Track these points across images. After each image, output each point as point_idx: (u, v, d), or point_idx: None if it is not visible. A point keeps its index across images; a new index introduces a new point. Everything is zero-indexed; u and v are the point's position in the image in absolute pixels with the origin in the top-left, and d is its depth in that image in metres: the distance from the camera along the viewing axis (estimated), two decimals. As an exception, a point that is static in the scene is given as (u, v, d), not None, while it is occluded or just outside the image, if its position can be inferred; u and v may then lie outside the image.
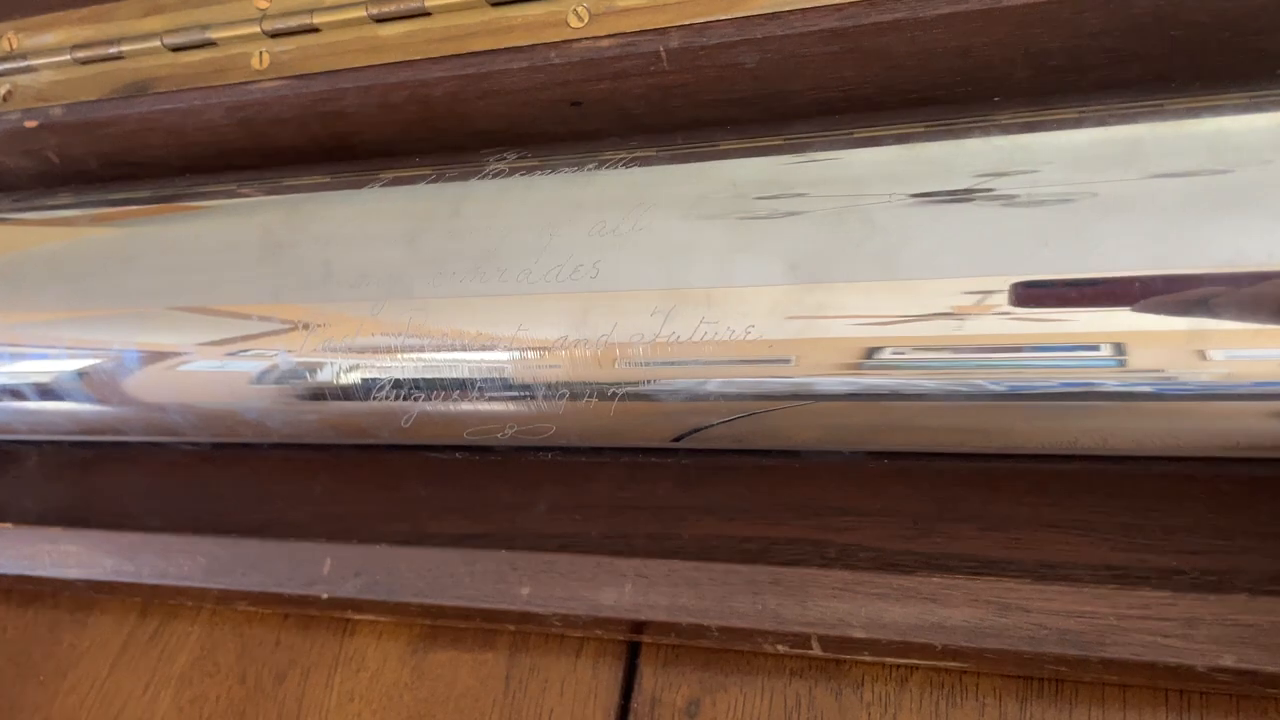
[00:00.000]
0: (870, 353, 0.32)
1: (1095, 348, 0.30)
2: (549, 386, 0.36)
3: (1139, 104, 0.32)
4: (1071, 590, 0.33)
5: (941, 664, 0.36)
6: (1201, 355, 0.29)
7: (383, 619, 0.45)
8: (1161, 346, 0.30)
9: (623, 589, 0.38)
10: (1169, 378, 0.30)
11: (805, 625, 0.35)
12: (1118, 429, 0.32)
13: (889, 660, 0.37)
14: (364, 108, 0.44)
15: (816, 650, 0.36)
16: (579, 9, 0.39)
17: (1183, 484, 0.36)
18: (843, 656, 0.37)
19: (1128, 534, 0.36)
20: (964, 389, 0.32)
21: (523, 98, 0.42)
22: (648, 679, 0.40)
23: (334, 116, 0.45)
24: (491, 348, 0.36)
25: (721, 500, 0.42)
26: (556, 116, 0.43)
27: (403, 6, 0.42)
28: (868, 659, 0.37)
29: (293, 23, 0.44)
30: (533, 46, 0.40)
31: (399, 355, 0.38)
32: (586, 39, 0.39)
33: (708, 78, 0.39)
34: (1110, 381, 0.30)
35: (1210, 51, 0.35)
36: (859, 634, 0.35)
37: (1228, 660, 0.31)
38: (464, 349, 0.37)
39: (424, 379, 0.38)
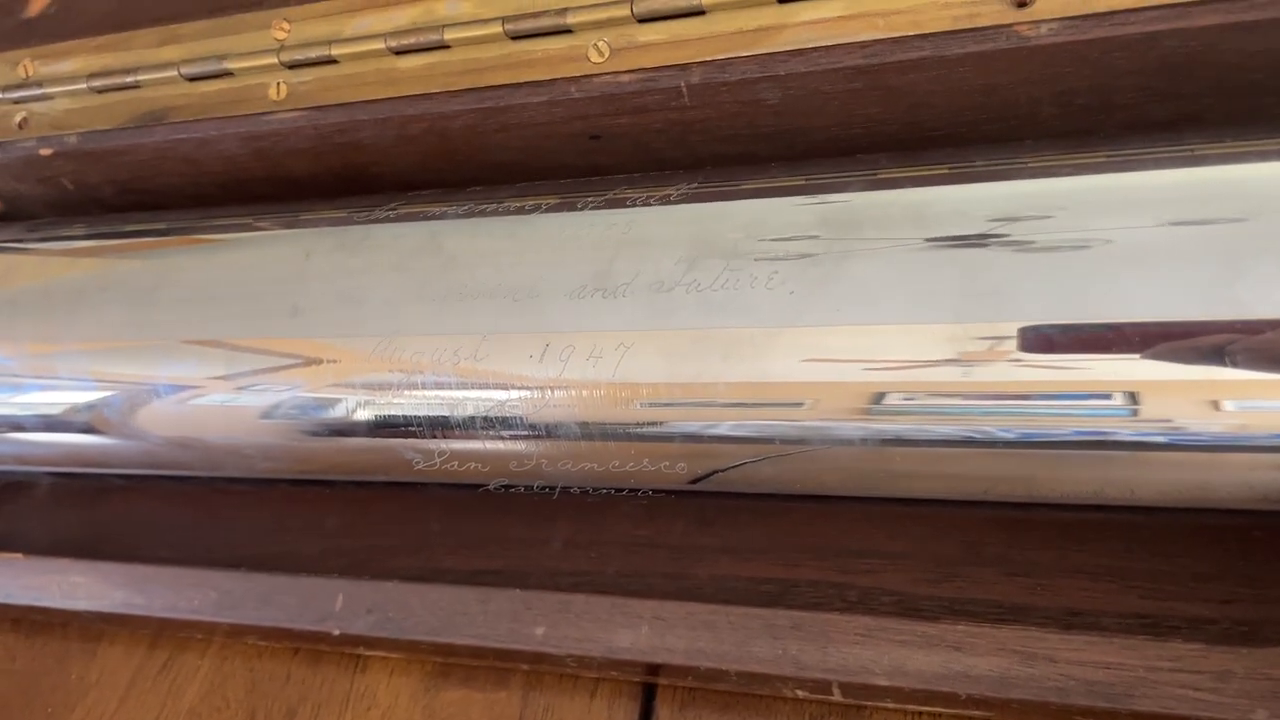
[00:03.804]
0: (882, 398, 0.32)
1: (1108, 396, 0.30)
2: (564, 426, 0.36)
3: (1159, 149, 0.31)
4: (1100, 640, 0.32)
5: (966, 713, 0.35)
6: (1216, 405, 0.29)
7: (394, 656, 0.44)
8: (1176, 396, 0.29)
9: (639, 631, 0.37)
10: (1180, 428, 0.29)
11: (826, 671, 0.35)
12: (1141, 480, 0.31)
13: (911, 708, 0.36)
14: (381, 139, 0.44)
15: (837, 696, 0.36)
16: (599, 44, 0.39)
17: (1214, 532, 0.35)
18: (864, 703, 0.36)
19: (1157, 581, 0.35)
20: (975, 435, 0.31)
21: (541, 131, 0.42)
22: (664, 721, 0.39)
23: (351, 148, 0.45)
24: (506, 386, 0.36)
25: (739, 540, 0.41)
26: (575, 149, 0.43)
27: (421, 40, 0.41)
28: (890, 706, 0.36)
29: (311, 54, 0.43)
30: (552, 81, 0.40)
31: (413, 392, 0.37)
32: (607, 74, 0.39)
33: (729, 113, 0.39)
34: (1123, 430, 0.30)
35: (1241, 93, 0.34)
36: (881, 681, 0.34)
37: (1260, 715, 0.30)
38: (478, 387, 0.36)
39: (438, 416, 0.37)
